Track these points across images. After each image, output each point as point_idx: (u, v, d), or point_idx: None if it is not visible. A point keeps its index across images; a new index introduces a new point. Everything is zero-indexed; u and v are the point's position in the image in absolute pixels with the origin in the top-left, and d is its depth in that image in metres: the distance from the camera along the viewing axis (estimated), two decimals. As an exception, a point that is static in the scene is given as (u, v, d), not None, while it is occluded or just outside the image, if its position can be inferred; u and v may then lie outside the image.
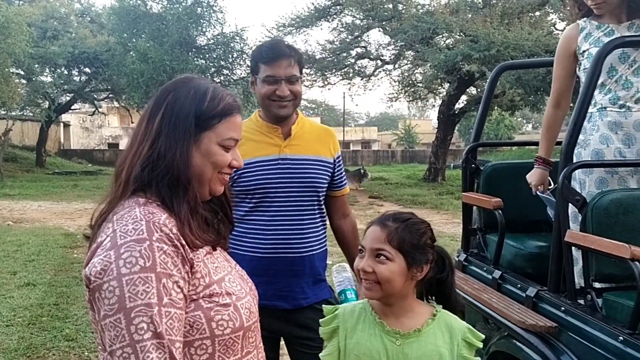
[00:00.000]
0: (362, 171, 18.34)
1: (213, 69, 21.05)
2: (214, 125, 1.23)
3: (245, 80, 20.59)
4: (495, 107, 20.96)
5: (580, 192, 2.12)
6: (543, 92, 16.33)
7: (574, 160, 2.13)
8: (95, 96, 26.67)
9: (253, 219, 2.06)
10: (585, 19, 2.33)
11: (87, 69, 24.07)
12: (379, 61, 19.66)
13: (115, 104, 29.21)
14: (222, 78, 21.21)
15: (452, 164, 25.34)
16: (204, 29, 20.55)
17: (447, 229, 9.62)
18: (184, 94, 1.24)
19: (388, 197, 15.84)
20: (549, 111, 2.42)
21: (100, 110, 29.62)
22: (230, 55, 20.79)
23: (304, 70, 18.61)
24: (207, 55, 21.04)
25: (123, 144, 37.03)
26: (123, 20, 20.30)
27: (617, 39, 2.11)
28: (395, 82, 19.94)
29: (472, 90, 19.37)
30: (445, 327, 1.48)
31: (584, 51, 2.26)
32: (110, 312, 1.05)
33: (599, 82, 2.20)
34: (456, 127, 20.03)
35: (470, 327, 1.51)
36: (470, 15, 14.83)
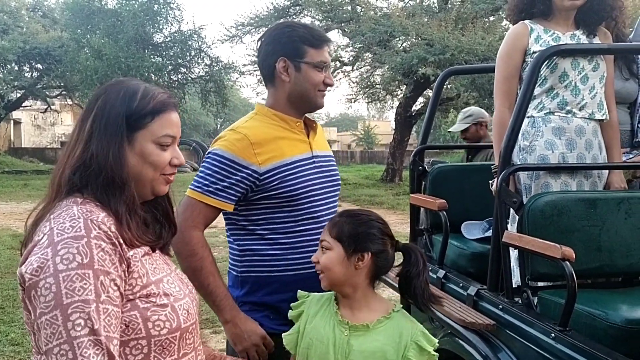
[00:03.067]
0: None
1: (170, 67, 20.77)
2: (147, 123, 1.23)
3: (204, 78, 20.38)
4: (452, 109, 21.38)
5: (525, 196, 2.20)
6: (496, 95, 16.66)
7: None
8: (48, 93, 25.88)
9: (302, 231, 1.83)
10: (530, 21, 2.33)
11: (38, 65, 23.35)
12: (337, 62, 19.74)
13: (69, 101, 28.40)
14: (179, 76, 20.95)
15: (410, 165, 25.63)
16: (161, 26, 20.26)
17: (403, 229, 9.73)
18: (114, 95, 1.23)
19: (346, 197, 15.94)
20: (503, 113, 2.30)
21: (52, 107, 28.76)
22: (187, 53, 20.55)
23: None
24: (163, 53, 20.74)
25: (77, 143, 35.94)
26: (77, 15, 19.80)
27: (555, 46, 2.18)
28: (354, 83, 20.09)
29: (429, 92, 19.68)
30: (397, 327, 1.53)
31: (533, 52, 2.25)
32: (47, 310, 1.04)
33: (548, 85, 2.25)
34: (413, 129, 20.31)
35: (425, 331, 1.56)
36: (426, 19, 15.08)
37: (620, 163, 2.37)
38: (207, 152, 1.87)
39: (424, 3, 17.84)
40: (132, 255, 1.17)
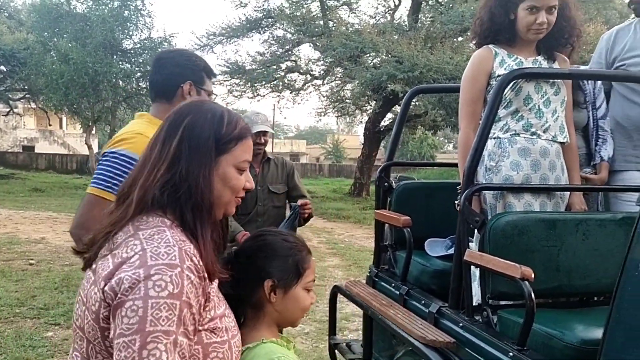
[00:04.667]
0: (288, 184, 18.32)
1: (139, 74, 20.49)
2: (231, 148, 1.25)
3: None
4: (419, 127, 21.68)
5: (491, 216, 2.22)
6: (463, 113, 17.03)
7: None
8: (10, 96, 25.21)
9: None
10: (493, 45, 2.38)
11: (2, 67, 22.73)
12: (308, 76, 19.86)
13: (32, 105, 27.72)
14: (147, 83, 20.66)
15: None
16: (131, 33, 20.00)
17: (369, 243, 9.79)
18: (202, 117, 1.24)
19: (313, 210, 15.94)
20: (467, 135, 2.32)
21: (15, 110, 28.02)
22: (157, 61, 20.30)
23: (234, 81, 18.29)
24: (133, 60, 20.46)
25: (40, 147, 35.14)
26: (44, 18, 19.41)
27: (518, 69, 2.23)
28: (324, 97, 20.22)
29: (398, 108, 19.93)
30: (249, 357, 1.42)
31: (498, 75, 2.30)
32: (127, 332, 1.03)
33: (513, 108, 2.30)
34: (382, 144, 20.52)
35: None
36: (396, 37, 15.31)
37: (579, 185, 2.42)
38: (104, 154, 1.93)
39: (394, 21, 18.14)
40: (210, 289, 1.18)
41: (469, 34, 16.49)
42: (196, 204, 1.19)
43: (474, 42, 2.50)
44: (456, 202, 2.25)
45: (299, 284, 1.46)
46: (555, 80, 2.31)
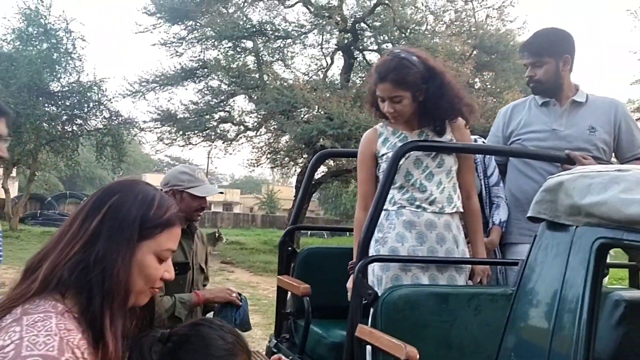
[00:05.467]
0: (216, 234, 17.98)
1: (65, 117, 19.81)
2: (156, 234, 1.16)
3: (101, 131, 19.61)
4: (352, 180, 22.00)
5: (377, 288, 2.19)
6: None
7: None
8: None
9: None
10: (382, 124, 2.46)
11: None
12: (242, 127, 19.86)
13: (-53, 144, 26.07)
14: (74, 127, 19.99)
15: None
16: (59, 75, 19.40)
17: (292, 300, 9.62)
18: (131, 197, 1.16)
19: (241, 262, 15.62)
20: (359, 214, 2.37)
21: None
22: (85, 105, 19.70)
23: (165, 128, 17.98)
24: (59, 102, 19.77)
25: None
26: (-34, 55, 18.58)
27: (407, 143, 2.26)
28: (257, 148, 20.22)
29: (329, 162, 20.19)
30: None
31: (382, 155, 2.37)
32: None
33: (398, 184, 2.32)
34: (315, 196, 20.62)
35: None
36: (328, 94, 15.65)
37: (463, 258, 2.38)
38: None
39: (327, 79, 18.58)
40: None
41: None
42: (109, 290, 1.09)
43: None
44: (347, 283, 2.21)
45: None
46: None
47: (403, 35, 17.25)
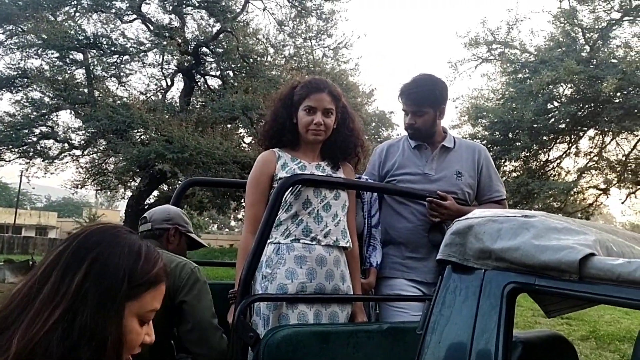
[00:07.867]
0: (30, 263, 16.12)
1: None
2: (141, 294, 1.01)
3: None
4: (186, 206, 21.33)
5: (263, 328, 2.07)
6: (229, 196, 17.34)
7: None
8: None
9: None
10: (278, 149, 2.41)
11: None
12: (66, 144, 18.25)
13: None
14: None
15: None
16: None
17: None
18: (118, 250, 1.00)
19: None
20: (247, 239, 2.25)
21: None
22: None
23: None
24: None
25: None
26: None
27: (297, 175, 2.24)
28: (82, 168, 18.68)
29: (164, 187, 19.38)
30: None
31: (280, 178, 2.30)
32: None
33: (293, 211, 2.26)
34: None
35: None
36: (167, 117, 15.10)
37: (353, 295, 2.39)
38: None
39: (166, 100, 17.96)
40: None
41: (237, 122, 17.16)
42: None
43: (260, 144, 2.51)
44: (228, 314, 2.07)
45: None
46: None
47: (245, 64, 17.38)
